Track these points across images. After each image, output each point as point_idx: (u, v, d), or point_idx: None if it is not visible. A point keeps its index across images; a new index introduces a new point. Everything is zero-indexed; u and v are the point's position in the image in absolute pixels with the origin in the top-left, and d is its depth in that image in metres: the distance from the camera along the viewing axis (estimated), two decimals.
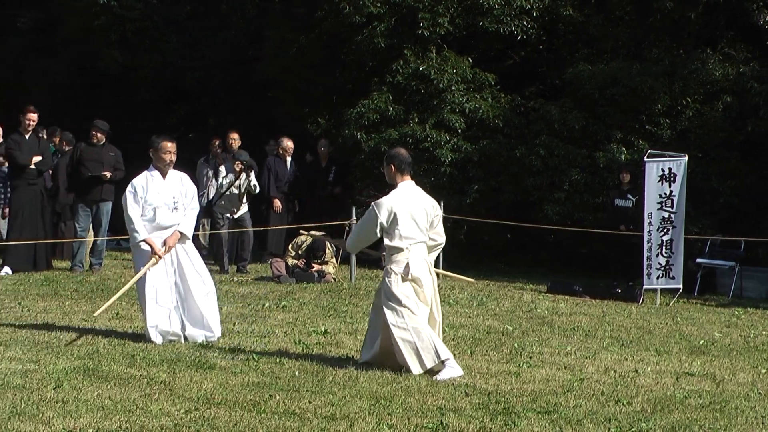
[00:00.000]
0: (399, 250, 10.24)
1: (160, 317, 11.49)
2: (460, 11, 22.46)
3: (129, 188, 11.68)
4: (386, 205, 10.28)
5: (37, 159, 17.99)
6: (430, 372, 9.97)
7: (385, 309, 10.19)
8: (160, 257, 11.55)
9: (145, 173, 11.80)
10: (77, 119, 21.26)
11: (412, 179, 10.56)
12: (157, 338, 11.43)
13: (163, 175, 11.78)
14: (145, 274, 11.53)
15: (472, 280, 12.20)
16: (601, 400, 9.18)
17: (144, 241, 11.55)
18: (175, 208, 11.74)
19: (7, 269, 17.57)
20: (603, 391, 9.61)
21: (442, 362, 10.02)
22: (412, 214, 10.29)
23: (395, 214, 10.22)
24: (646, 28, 22.79)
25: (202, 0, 28.22)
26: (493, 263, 21.90)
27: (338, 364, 10.42)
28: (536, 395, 9.28)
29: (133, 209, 11.56)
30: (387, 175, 10.57)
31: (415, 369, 10.00)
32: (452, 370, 9.98)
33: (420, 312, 10.19)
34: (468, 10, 22.45)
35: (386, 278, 10.27)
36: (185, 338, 11.57)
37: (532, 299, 16.81)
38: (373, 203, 10.44)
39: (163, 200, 11.69)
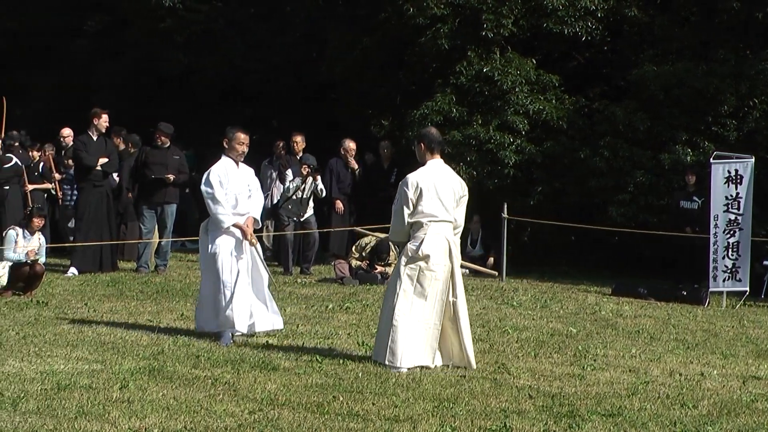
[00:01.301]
0: (419, 226, 10.36)
1: (244, 306, 11.71)
2: (524, 12, 22.37)
3: (212, 176, 11.92)
4: (412, 179, 10.41)
5: (103, 161, 18.14)
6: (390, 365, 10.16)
7: (389, 285, 10.56)
8: (252, 242, 11.89)
9: (222, 162, 12.08)
10: (141, 121, 21.43)
11: (442, 158, 10.67)
12: (242, 327, 11.69)
13: (237, 164, 12.10)
14: (222, 263, 11.72)
15: (495, 272, 12.13)
16: (666, 404, 9.11)
17: (234, 225, 11.83)
18: (249, 196, 12.07)
19: (73, 270, 17.75)
20: (668, 394, 9.54)
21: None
22: (438, 191, 10.38)
23: (421, 189, 10.33)
24: (712, 29, 22.57)
25: (265, 2, 28.30)
26: (556, 265, 21.79)
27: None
28: (600, 398, 9.23)
29: (221, 195, 11.82)
30: (417, 153, 10.74)
31: (376, 355, 10.43)
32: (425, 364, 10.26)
33: (417, 304, 10.25)
34: (532, 11, 22.35)
35: (401, 255, 10.48)
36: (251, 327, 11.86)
37: (596, 301, 16.72)
38: (401, 182, 10.56)
39: (241, 188, 12.01)
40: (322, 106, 26.89)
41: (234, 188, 11.95)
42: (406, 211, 10.37)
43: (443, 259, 10.34)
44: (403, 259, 10.42)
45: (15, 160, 20.63)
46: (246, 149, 12.14)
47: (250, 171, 12.34)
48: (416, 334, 10.22)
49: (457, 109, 21.76)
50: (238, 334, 11.78)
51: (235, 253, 11.80)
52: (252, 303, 11.87)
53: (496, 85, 21.72)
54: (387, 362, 10.18)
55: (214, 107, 28.09)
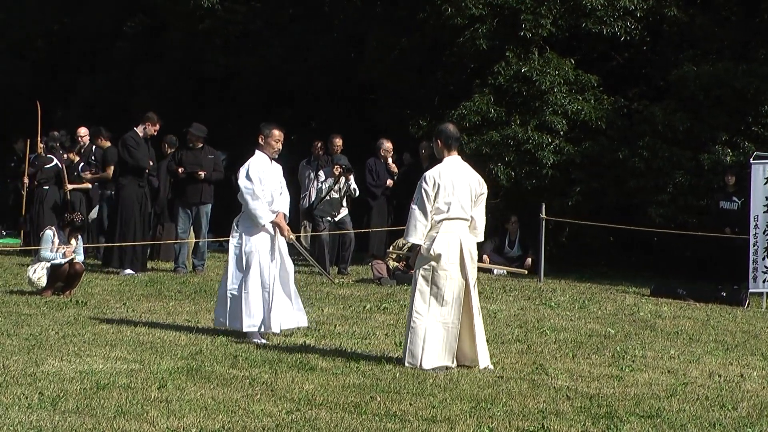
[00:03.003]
0: (432, 224, 10.27)
1: (278, 305, 11.80)
2: (562, 12, 22.32)
3: (251, 172, 11.91)
4: (429, 175, 10.35)
5: (150, 163, 18.33)
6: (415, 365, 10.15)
7: (411, 287, 10.48)
8: (290, 237, 12.03)
9: (258, 158, 12.06)
10: (181, 122, 21.48)
11: (459, 155, 10.63)
12: (276, 327, 11.78)
13: (270, 161, 12.12)
14: (261, 264, 11.79)
15: (524, 271, 11.99)
16: (705, 405, 9.06)
17: (271, 222, 11.89)
18: (281, 193, 12.14)
19: (129, 270, 17.85)
20: (707, 395, 9.49)
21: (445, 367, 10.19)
22: (454, 188, 10.31)
23: (438, 185, 10.27)
24: (753, 28, 22.44)
25: (304, 3, 28.35)
26: (595, 266, 21.72)
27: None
28: (639, 399, 9.19)
29: (260, 191, 11.85)
30: (435, 150, 10.72)
31: (406, 359, 10.29)
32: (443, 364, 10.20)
33: (433, 304, 10.20)
34: (571, 11, 22.29)
35: (417, 256, 10.45)
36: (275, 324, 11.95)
37: (634, 302, 16.65)
38: (420, 180, 10.47)
39: (275, 185, 12.08)
40: (361, 106, 26.92)
41: (269, 185, 11.98)
42: (428, 207, 10.26)
43: (456, 257, 10.26)
44: (418, 260, 10.41)
45: (55, 161, 20.82)
46: (281, 147, 12.15)
47: (280, 168, 12.35)
48: (434, 335, 10.20)
49: (495, 109, 21.73)
50: (274, 333, 11.88)
51: (270, 253, 11.84)
52: (281, 302, 11.94)
53: (535, 86, 21.67)
54: (407, 364, 10.19)
55: (253, 109, 28.16)
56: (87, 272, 16.35)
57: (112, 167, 19.49)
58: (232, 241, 12.04)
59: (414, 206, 10.38)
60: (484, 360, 10.43)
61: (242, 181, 11.90)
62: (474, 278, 10.48)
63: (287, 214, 12.18)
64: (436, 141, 10.67)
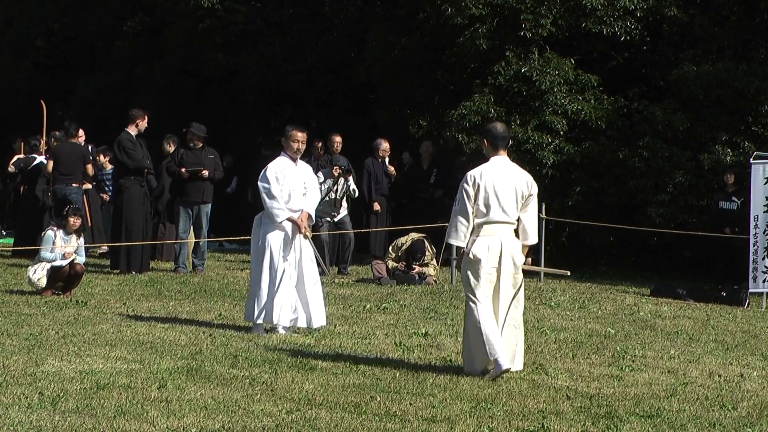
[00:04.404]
0: (474, 227, 9.98)
1: (287, 300, 12.12)
2: (562, 12, 22.30)
3: (269, 172, 12.36)
4: (470, 174, 10.08)
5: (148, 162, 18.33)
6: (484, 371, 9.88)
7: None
8: (306, 235, 12.30)
9: (279, 159, 12.50)
10: (181, 122, 21.50)
11: (507, 155, 10.32)
12: (285, 321, 12.10)
13: (294, 162, 12.48)
14: (271, 257, 12.15)
15: (567, 272, 11.62)
16: (705, 405, 9.07)
17: (288, 219, 12.24)
18: (305, 194, 12.46)
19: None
20: (707, 395, 9.49)
21: (495, 360, 9.76)
22: (497, 190, 9.98)
23: (479, 186, 9.96)
24: (753, 28, 22.44)
25: (304, 3, 28.36)
26: (595, 266, 21.73)
27: (439, 366, 10.43)
28: (639, 399, 9.20)
29: (276, 190, 12.23)
30: (483, 149, 10.44)
31: (465, 367, 10.05)
32: (498, 368, 9.73)
33: (481, 310, 9.85)
34: (571, 11, 22.27)
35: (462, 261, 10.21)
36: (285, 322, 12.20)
37: (634, 302, 16.65)
38: (462, 179, 10.20)
39: (296, 185, 12.38)
40: (361, 106, 26.92)
41: (289, 185, 12.33)
42: (469, 208, 9.93)
43: (495, 261, 9.91)
44: (462, 264, 10.16)
45: (39, 159, 20.81)
46: (302, 146, 12.51)
47: (308, 169, 12.81)
48: (487, 339, 9.77)
49: (495, 109, 21.71)
50: (280, 327, 12.10)
51: (284, 249, 12.18)
52: (296, 298, 12.20)
53: (535, 86, 21.67)
54: (466, 372, 9.94)
55: (253, 108, 28.19)
56: (87, 272, 16.33)
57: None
58: (253, 238, 12.55)
59: (455, 206, 10.11)
60: (517, 364, 10.09)
61: (260, 182, 12.41)
62: (516, 286, 10.06)
63: (312, 214, 12.53)
64: (482, 140, 10.39)
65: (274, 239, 12.22)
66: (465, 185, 10.02)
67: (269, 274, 12.16)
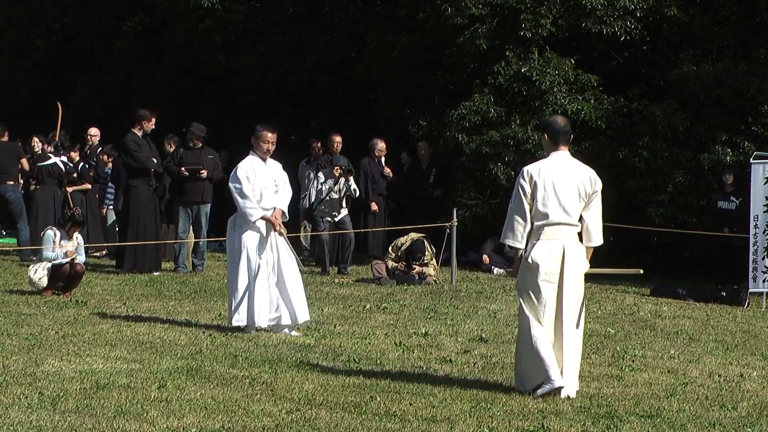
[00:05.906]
0: (534, 229, 9.30)
1: (264, 301, 12.11)
2: (562, 12, 22.30)
3: (239, 172, 12.39)
4: (526, 170, 9.35)
5: (154, 161, 18.30)
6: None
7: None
8: (281, 232, 12.29)
9: (249, 159, 12.54)
10: (181, 121, 21.49)
11: (569, 151, 9.48)
12: (262, 322, 12.07)
13: (264, 161, 12.52)
14: (248, 259, 12.17)
15: (639, 270, 10.82)
16: (705, 405, 9.07)
17: (262, 218, 12.25)
18: (276, 191, 12.47)
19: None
20: (707, 395, 9.49)
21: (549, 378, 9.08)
22: (556, 188, 9.23)
23: (536, 183, 9.23)
24: (753, 28, 22.44)
25: (304, 2, 28.36)
26: (595, 266, 21.67)
27: (439, 365, 10.42)
28: (639, 399, 9.20)
29: (248, 190, 12.26)
30: (543, 144, 9.67)
31: (517, 383, 9.45)
32: (550, 386, 9.09)
33: (534, 321, 9.21)
34: (571, 11, 22.27)
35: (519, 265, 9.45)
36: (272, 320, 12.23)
37: (634, 302, 16.66)
38: (518, 175, 9.48)
39: (267, 183, 12.41)
40: (361, 106, 26.92)
41: (260, 183, 12.34)
42: (526, 205, 9.22)
43: (556, 266, 9.22)
44: (520, 269, 9.41)
45: (54, 159, 20.80)
46: (271, 147, 12.53)
47: (278, 166, 12.72)
48: (539, 353, 9.15)
49: (495, 109, 21.71)
50: (260, 327, 12.10)
51: (260, 249, 12.20)
52: (276, 297, 12.20)
53: (535, 85, 21.67)
54: (517, 387, 9.34)
55: (253, 108, 28.17)
56: (87, 272, 16.33)
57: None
58: (228, 240, 12.52)
59: (511, 204, 9.39)
60: (569, 387, 9.23)
61: (230, 183, 12.44)
62: (578, 294, 9.38)
63: (285, 211, 12.51)
64: (542, 135, 9.58)
65: (250, 240, 12.23)
66: (521, 180, 9.28)
67: (246, 275, 12.17)
